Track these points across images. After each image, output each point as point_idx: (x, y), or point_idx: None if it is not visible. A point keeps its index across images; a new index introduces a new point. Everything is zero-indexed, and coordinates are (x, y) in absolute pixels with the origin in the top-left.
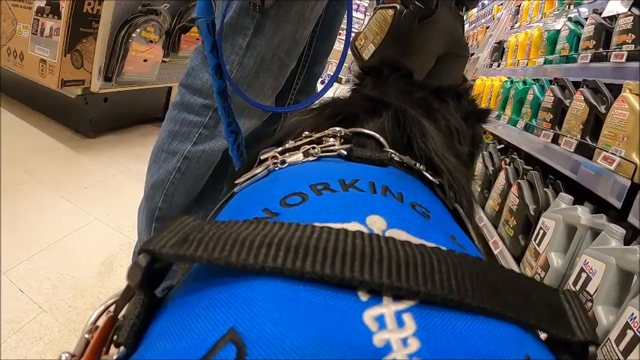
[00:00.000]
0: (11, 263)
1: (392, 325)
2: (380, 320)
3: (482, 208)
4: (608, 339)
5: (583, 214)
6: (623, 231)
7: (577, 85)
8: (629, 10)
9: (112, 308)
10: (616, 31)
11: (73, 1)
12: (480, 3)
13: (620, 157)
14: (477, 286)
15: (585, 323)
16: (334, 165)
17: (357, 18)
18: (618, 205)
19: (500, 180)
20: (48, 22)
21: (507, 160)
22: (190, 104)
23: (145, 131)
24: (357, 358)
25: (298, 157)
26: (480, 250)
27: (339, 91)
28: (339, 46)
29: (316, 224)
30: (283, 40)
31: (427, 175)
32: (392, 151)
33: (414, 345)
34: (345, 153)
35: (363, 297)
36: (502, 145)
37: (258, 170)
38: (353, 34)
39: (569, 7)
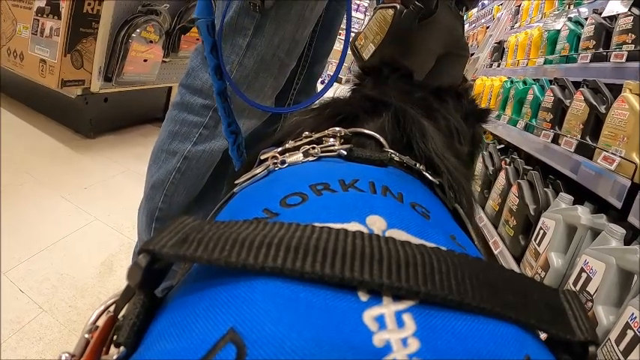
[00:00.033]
0: (11, 263)
1: (392, 325)
2: (380, 320)
3: (483, 208)
4: (609, 339)
5: (583, 214)
6: (623, 231)
7: (577, 85)
8: (629, 10)
9: (111, 308)
10: (616, 31)
11: (73, 1)
12: (480, 3)
13: (620, 157)
14: (477, 286)
15: (585, 323)
16: (334, 165)
17: (357, 18)
18: (618, 205)
19: (501, 180)
20: (48, 22)
21: (507, 160)
22: (190, 104)
23: (145, 131)
24: (357, 358)
25: (298, 157)
26: (479, 250)
27: (339, 91)
28: (339, 46)
29: (316, 224)
30: (283, 40)
31: (427, 175)
32: (392, 151)
33: (414, 345)
34: (345, 153)
35: (363, 297)
36: (502, 145)
37: (258, 170)
38: (353, 34)
39: (569, 7)
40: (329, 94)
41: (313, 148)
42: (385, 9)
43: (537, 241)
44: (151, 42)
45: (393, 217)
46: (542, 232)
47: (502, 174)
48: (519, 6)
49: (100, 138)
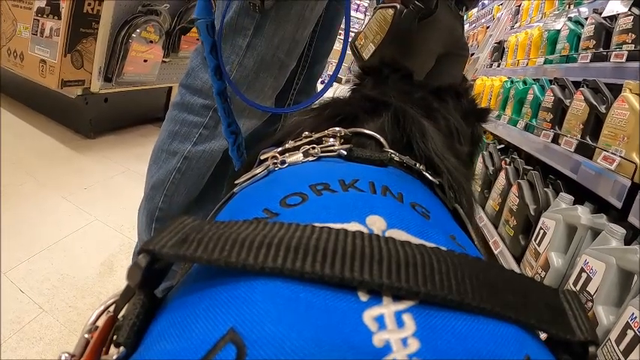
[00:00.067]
0: (12, 263)
1: (392, 325)
2: (380, 320)
3: (483, 208)
4: (609, 339)
5: (583, 214)
6: (624, 231)
7: (577, 85)
8: (629, 9)
9: (111, 308)
10: (616, 30)
11: (73, 1)
12: (480, 3)
13: (620, 156)
14: (477, 286)
15: (585, 323)
16: (334, 165)
17: (357, 18)
18: (618, 205)
19: (501, 180)
20: (48, 22)
21: (507, 160)
22: (190, 104)
23: (145, 131)
24: (357, 359)
25: (298, 157)
26: (479, 250)
27: (339, 91)
28: (339, 46)
29: (316, 224)
30: (283, 41)
31: (427, 175)
32: (392, 151)
33: (414, 345)
34: (345, 153)
35: (363, 297)
36: (502, 145)
37: (258, 170)
38: (352, 34)
39: (569, 7)
40: (329, 94)
41: (313, 148)
42: (385, 9)
43: (537, 241)
44: (151, 42)
45: (393, 217)
46: (542, 232)
47: (502, 174)
48: (519, 6)
49: (100, 138)
